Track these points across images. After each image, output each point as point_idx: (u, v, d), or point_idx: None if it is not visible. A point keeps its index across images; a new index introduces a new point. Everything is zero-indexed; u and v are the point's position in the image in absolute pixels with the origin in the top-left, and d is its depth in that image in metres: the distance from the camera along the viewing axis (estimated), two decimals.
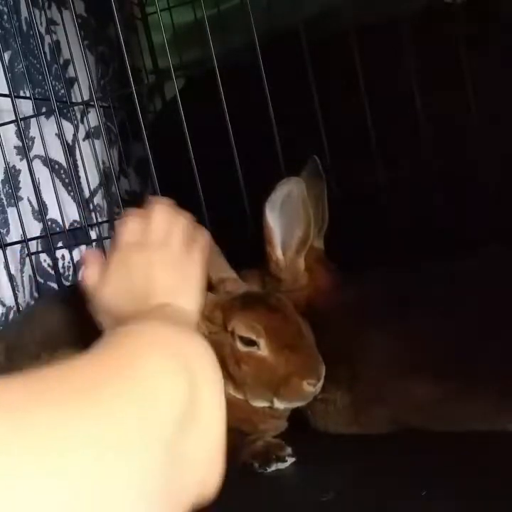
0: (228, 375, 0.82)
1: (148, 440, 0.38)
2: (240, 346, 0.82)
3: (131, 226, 0.73)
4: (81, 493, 0.32)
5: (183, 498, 0.42)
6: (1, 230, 1.14)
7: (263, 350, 0.81)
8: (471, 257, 0.87)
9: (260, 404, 0.83)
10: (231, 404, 0.83)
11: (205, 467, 0.47)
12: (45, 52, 1.27)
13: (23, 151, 1.16)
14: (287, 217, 0.89)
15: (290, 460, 0.79)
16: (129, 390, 0.40)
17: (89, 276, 0.74)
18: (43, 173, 1.23)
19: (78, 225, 1.28)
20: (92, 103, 1.15)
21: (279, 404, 0.82)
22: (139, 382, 0.41)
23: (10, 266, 1.13)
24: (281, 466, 0.78)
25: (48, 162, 1.23)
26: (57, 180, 1.26)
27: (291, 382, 0.80)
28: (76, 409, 0.35)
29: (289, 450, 0.79)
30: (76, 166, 1.35)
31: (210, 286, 0.83)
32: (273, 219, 0.89)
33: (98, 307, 0.73)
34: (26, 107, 1.19)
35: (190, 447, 0.43)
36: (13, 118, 1.12)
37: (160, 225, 0.73)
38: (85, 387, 0.38)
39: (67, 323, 0.87)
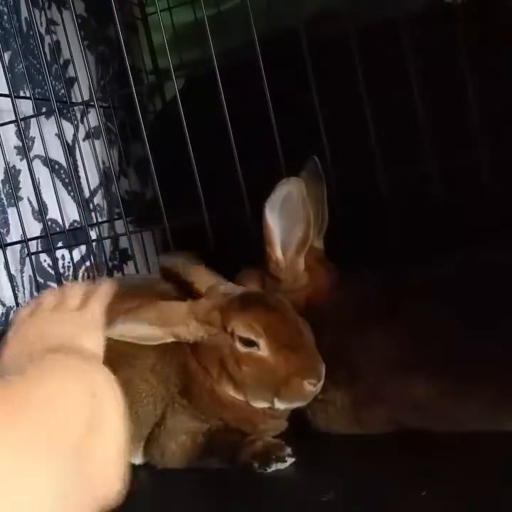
0: (228, 376, 0.82)
1: (57, 443, 0.48)
2: (240, 347, 0.81)
3: (22, 313, 0.78)
4: None
5: (94, 495, 0.52)
6: (1, 230, 1.14)
7: (263, 350, 0.81)
8: (470, 256, 0.87)
9: (261, 404, 0.83)
10: (231, 405, 0.83)
11: (110, 468, 0.56)
12: (45, 53, 1.28)
13: (23, 151, 1.16)
14: (287, 218, 0.88)
15: (290, 460, 0.79)
16: (41, 404, 0.49)
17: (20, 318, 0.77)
18: (43, 173, 1.23)
19: (78, 225, 1.28)
20: (92, 103, 1.16)
21: (279, 405, 0.82)
22: (52, 398, 0.51)
23: (10, 266, 1.13)
24: (281, 466, 0.78)
25: (48, 162, 1.23)
26: (57, 180, 1.26)
27: (291, 382, 0.80)
28: None
29: (288, 450, 0.79)
30: (76, 166, 1.35)
31: (199, 296, 0.83)
32: (273, 219, 0.89)
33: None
34: (26, 107, 1.19)
35: (96, 450, 0.53)
36: (13, 118, 1.12)
37: (47, 299, 0.78)
38: (9, 403, 0.47)
39: None
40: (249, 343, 0.81)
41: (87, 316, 0.77)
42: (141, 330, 0.81)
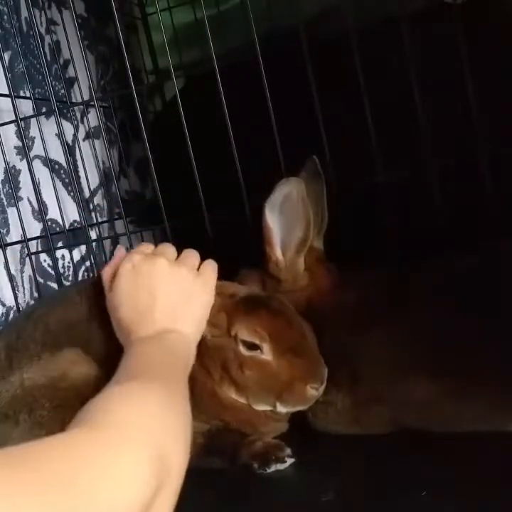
0: (231, 379, 0.82)
1: None
2: (243, 350, 0.81)
3: (146, 245, 0.83)
4: None
5: None
6: (1, 230, 1.14)
7: (266, 354, 0.81)
8: (470, 256, 0.87)
9: (262, 407, 0.83)
10: (232, 407, 0.83)
11: None
12: (45, 53, 1.28)
13: (23, 151, 1.16)
14: (287, 218, 0.88)
15: (289, 461, 0.79)
16: (101, 482, 0.45)
17: (108, 273, 0.81)
18: (43, 173, 1.23)
19: (78, 225, 1.28)
20: (92, 103, 1.15)
21: (281, 408, 0.82)
22: (112, 476, 0.46)
23: (10, 266, 1.13)
24: (281, 466, 0.78)
25: (48, 162, 1.23)
26: (57, 180, 1.26)
27: (294, 386, 0.80)
28: (52, 500, 0.40)
29: (288, 451, 0.79)
30: (76, 166, 1.35)
31: None
32: (272, 219, 0.88)
33: (108, 304, 0.80)
34: (26, 107, 1.19)
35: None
36: (13, 118, 1.12)
37: (172, 252, 0.82)
38: (63, 475, 0.43)
39: (67, 323, 0.87)
40: (252, 346, 0.81)
41: (197, 290, 0.79)
42: None
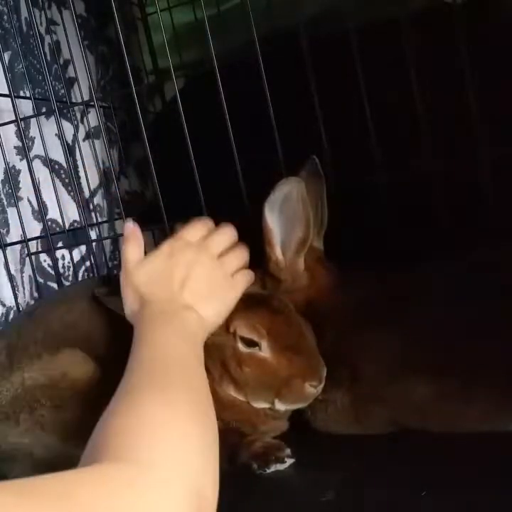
0: (229, 377, 0.82)
1: None
2: (242, 347, 0.81)
3: (195, 229, 0.82)
4: None
5: None
6: (1, 230, 1.14)
7: (265, 351, 0.81)
8: (470, 256, 0.87)
9: (261, 405, 0.83)
10: (232, 406, 0.83)
11: None
12: (45, 53, 1.28)
13: (23, 151, 1.16)
14: (287, 218, 0.88)
15: (289, 461, 0.79)
16: None
17: (130, 251, 0.80)
18: (42, 173, 1.23)
19: (78, 225, 1.28)
20: (92, 103, 1.15)
21: (280, 406, 0.82)
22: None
23: (10, 266, 1.13)
24: (280, 467, 0.78)
25: (48, 162, 1.23)
26: (57, 181, 1.26)
27: (292, 383, 0.80)
28: None
29: (288, 451, 0.79)
30: (76, 166, 1.35)
31: None
32: (272, 219, 0.88)
33: (128, 282, 0.78)
34: (26, 107, 1.19)
35: None
36: (13, 118, 1.12)
37: (220, 243, 0.82)
38: None
39: (68, 323, 0.87)
40: (251, 343, 0.81)
41: (228, 289, 0.80)
42: None
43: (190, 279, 0.76)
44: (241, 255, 0.84)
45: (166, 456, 0.51)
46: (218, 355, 0.82)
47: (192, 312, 0.75)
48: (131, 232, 0.82)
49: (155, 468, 0.49)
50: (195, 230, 0.82)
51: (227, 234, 0.84)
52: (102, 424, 0.56)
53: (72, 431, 0.78)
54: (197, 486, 0.50)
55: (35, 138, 1.23)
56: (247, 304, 0.82)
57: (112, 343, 0.79)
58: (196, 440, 0.55)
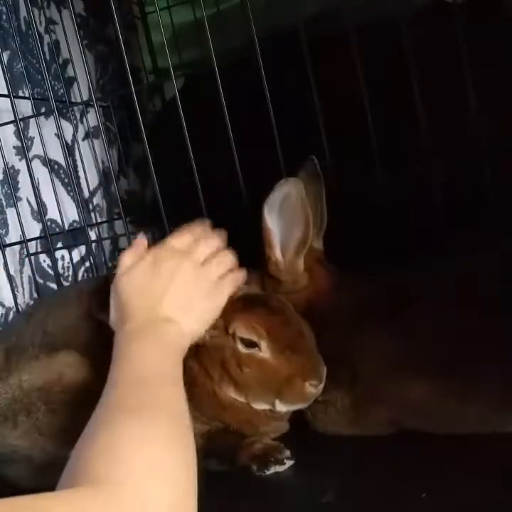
0: (230, 378, 0.82)
1: None
2: (241, 348, 0.81)
3: (182, 237, 0.81)
4: None
5: None
6: (1, 231, 1.14)
7: (264, 351, 0.81)
8: (470, 256, 0.87)
9: (261, 406, 0.83)
10: (232, 407, 0.83)
11: None
12: (44, 52, 1.27)
13: (22, 151, 1.16)
14: (286, 218, 0.88)
15: (288, 463, 0.79)
16: None
17: (127, 256, 0.80)
18: (42, 173, 1.23)
19: (77, 226, 1.28)
20: (91, 103, 1.15)
21: (280, 407, 0.82)
22: None
23: (9, 267, 1.13)
24: (280, 468, 0.78)
25: (48, 162, 1.23)
26: (56, 181, 1.26)
27: (293, 383, 0.80)
28: None
29: (287, 453, 0.79)
30: (75, 166, 1.35)
31: None
32: (272, 220, 0.88)
33: (114, 288, 0.79)
34: (25, 107, 1.19)
35: None
36: (12, 118, 1.11)
37: (205, 249, 0.81)
38: None
39: (66, 325, 0.87)
40: (250, 344, 0.81)
41: (215, 296, 0.79)
42: None
43: (171, 288, 0.76)
44: (226, 259, 0.83)
45: (143, 480, 0.51)
46: (218, 356, 0.82)
47: (171, 323, 0.74)
48: (139, 241, 0.82)
49: (132, 492, 0.50)
50: (182, 238, 0.82)
51: (214, 239, 0.83)
52: (81, 443, 0.57)
53: (68, 434, 0.78)
54: (175, 507, 0.50)
55: (34, 138, 1.23)
56: (247, 304, 0.82)
57: (109, 346, 0.79)
58: (172, 461, 0.55)
